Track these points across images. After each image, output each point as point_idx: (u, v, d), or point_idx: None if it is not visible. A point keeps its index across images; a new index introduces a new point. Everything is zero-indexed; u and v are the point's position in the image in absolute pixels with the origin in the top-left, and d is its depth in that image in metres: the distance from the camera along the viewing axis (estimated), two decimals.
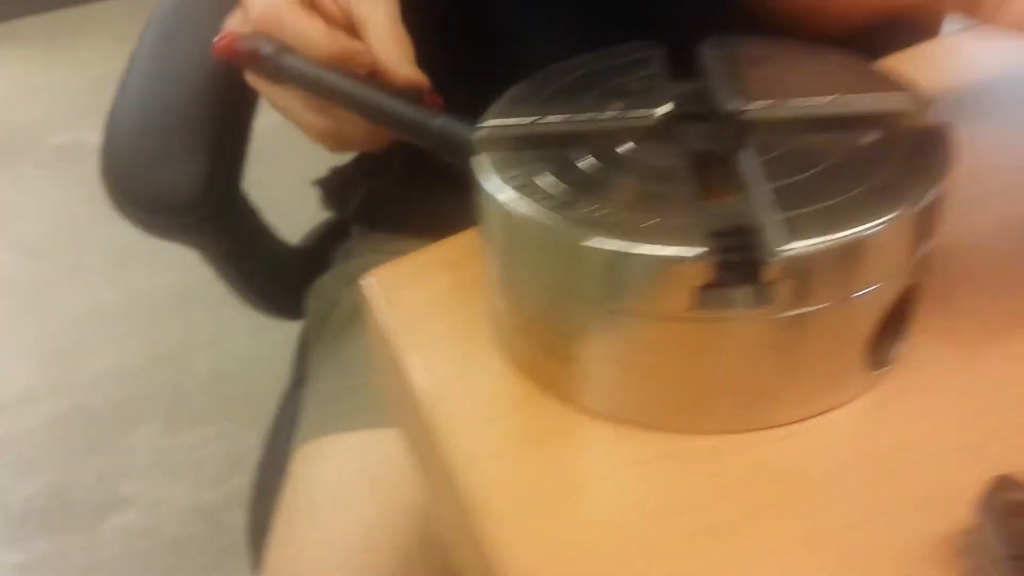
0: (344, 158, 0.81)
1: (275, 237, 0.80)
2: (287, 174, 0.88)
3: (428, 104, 0.46)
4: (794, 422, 0.35)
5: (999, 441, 0.34)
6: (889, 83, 0.38)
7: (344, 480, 0.59)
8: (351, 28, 0.48)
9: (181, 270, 0.78)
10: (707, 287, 0.31)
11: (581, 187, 0.34)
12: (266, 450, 0.79)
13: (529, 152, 0.36)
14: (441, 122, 0.42)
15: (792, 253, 0.30)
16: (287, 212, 0.87)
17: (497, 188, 0.34)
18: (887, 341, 0.36)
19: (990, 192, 0.45)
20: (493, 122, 0.37)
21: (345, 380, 0.64)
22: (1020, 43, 0.52)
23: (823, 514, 0.32)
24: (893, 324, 0.35)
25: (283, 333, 0.83)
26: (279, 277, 0.81)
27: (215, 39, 0.49)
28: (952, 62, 0.56)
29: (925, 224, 0.33)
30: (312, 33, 0.46)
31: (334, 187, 0.79)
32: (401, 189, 0.73)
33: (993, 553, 0.29)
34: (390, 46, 0.47)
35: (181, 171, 0.65)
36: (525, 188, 0.34)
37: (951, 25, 0.69)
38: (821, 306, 0.32)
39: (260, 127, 0.70)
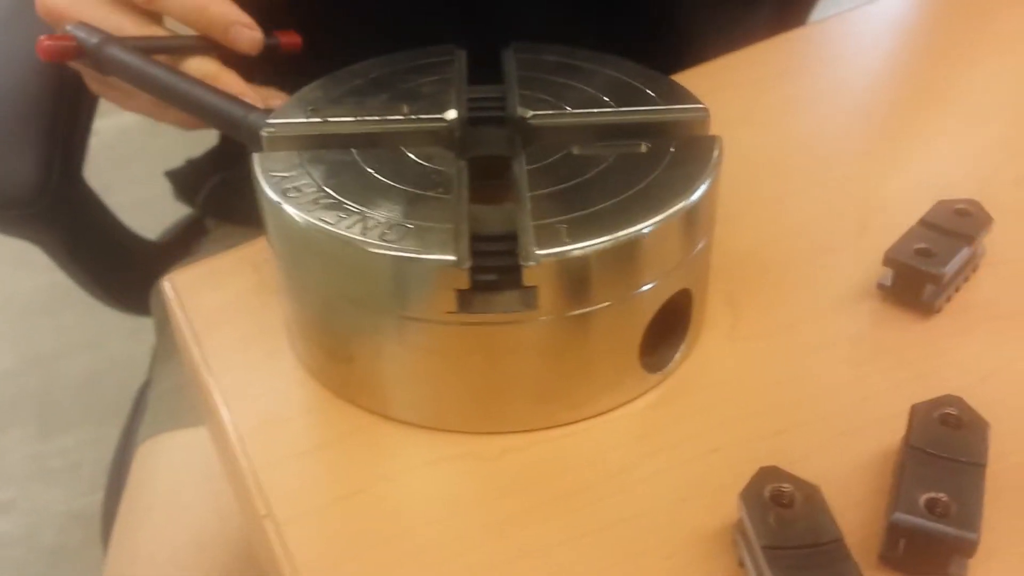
0: (200, 150, 0.80)
1: (126, 231, 0.78)
2: (156, 170, 0.87)
3: (285, 45, 0.47)
4: (578, 421, 0.36)
5: (774, 436, 0.35)
6: (674, 95, 0.39)
7: (178, 477, 0.58)
8: None
9: (52, 271, 0.75)
10: (471, 291, 0.31)
11: (356, 190, 0.34)
12: (117, 452, 0.78)
13: (312, 153, 0.36)
14: (253, 118, 0.42)
15: (549, 258, 0.31)
16: (156, 210, 0.85)
17: (270, 188, 0.34)
18: (667, 343, 0.37)
19: (775, 197, 0.46)
20: (280, 121, 0.37)
21: (182, 377, 0.63)
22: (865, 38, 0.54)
23: (604, 508, 0.33)
24: (672, 326, 0.36)
25: None
26: (131, 272, 0.79)
27: (38, 41, 0.48)
28: (794, 59, 0.58)
29: (688, 228, 0.34)
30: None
31: (185, 178, 0.78)
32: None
33: (752, 543, 0.30)
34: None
35: (14, 164, 0.63)
36: (297, 189, 0.34)
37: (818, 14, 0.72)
38: (589, 309, 0.33)
39: (128, 124, 0.68)
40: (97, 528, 1.33)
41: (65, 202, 0.67)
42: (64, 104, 0.64)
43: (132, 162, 1.57)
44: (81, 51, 0.48)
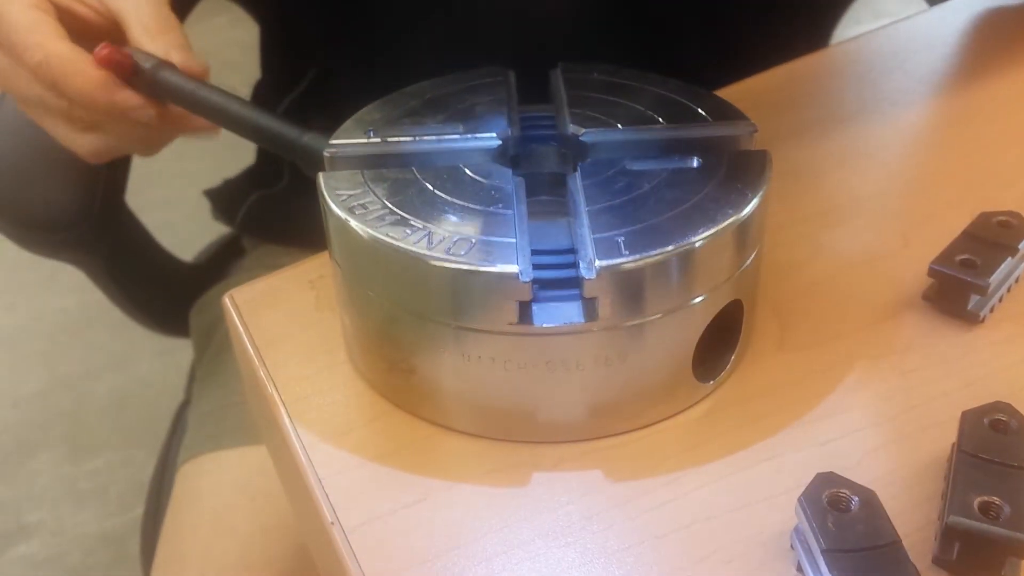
0: (237, 168, 0.81)
1: (165, 254, 0.80)
2: (180, 194, 0.88)
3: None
4: (632, 430, 0.37)
5: (825, 444, 0.36)
6: (721, 111, 0.40)
7: (222, 497, 0.59)
8: (114, 26, 0.48)
9: (81, 292, 0.77)
10: (532, 302, 0.32)
11: (419, 206, 0.35)
12: (156, 472, 0.79)
13: (374, 172, 0.37)
14: (308, 139, 0.43)
15: (609, 270, 0.32)
16: (182, 232, 0.86)
17: (337, 206, 0.35)
18: (719, 353, 0.38)
19: (818, 210, 0.47)
20: (341, 141, 0.38)
21: (225, 398, 0.65)
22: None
23: (660, 515, 0.34)
24: (723, 337, 0.37)
25: (188, 354, 0.82)
26: (168, 294, 0.80)
27: (96, 49, 0.49)
28: (832, 76, 0.59)
29: (739, 240, 0.35)
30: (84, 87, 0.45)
31: (223, 197, 0.79)
32: (291, 199, 0.73)
33: (812, 548, 0.30)
34: (157, 39, 0.47)
35: (59, 188, 0.64)
36: (363, 207, 0.35)
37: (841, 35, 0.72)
38: (645, 319, 0.34)
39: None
40: (126, 548, 1.33)
41: (108, 225, 0.68)
42: None
43: (156, 186, 1.59)
44: (136, 69, 0.49)
